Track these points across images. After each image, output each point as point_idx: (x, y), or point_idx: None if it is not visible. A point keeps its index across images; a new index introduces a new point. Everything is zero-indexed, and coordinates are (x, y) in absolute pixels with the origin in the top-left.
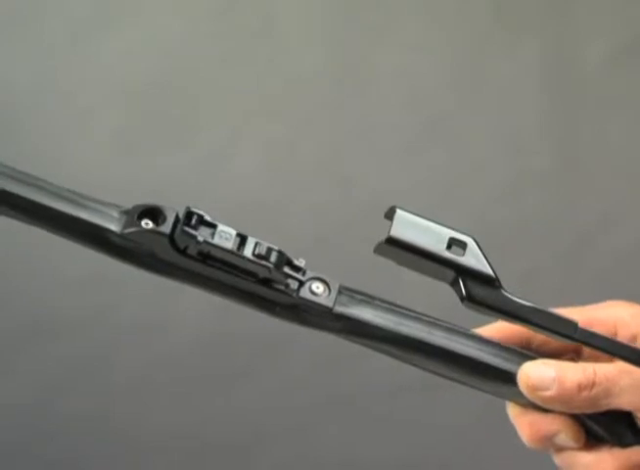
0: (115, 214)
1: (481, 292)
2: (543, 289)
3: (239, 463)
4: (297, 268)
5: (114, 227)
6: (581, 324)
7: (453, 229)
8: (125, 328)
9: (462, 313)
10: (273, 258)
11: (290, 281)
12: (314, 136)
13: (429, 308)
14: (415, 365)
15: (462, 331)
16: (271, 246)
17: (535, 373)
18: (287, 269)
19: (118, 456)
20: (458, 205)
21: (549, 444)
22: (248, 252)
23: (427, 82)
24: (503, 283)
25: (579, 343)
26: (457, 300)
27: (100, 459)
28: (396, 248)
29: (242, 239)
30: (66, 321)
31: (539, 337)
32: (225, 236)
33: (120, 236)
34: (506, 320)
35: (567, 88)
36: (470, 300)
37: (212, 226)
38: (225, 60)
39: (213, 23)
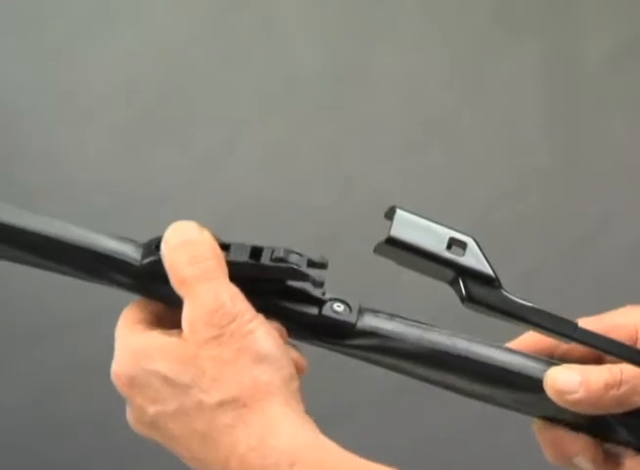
0: (133, 247)
1: (482, 292)
2: (543, 289)
3: None
4: (320, 265)
5: (132, 260)
6: (602, 332)
7: (453, 229)
8: None
9: (462, 313)
10: (293, 258)
11: (316, 277)
12: (314, 136)
13: (429, 308)
14: (437, 383)
15: (484, 342)
16: (288, 248)
17: (562, 377)
18: (310, 270)
19: (118, 457)
20: (458, 205)
21: (569, 463)
22: (265, 259)
23: (427, 82)
24: (503, 283)
25: (579, 343)
26: (457, 300)
27: (100, 459)
28: (396, 248)
29: (257, 250)
30: (65, 323)
31: (562, 347)
32: (240, 251)
33: (139, 267)
34: (506, 320)
35: (567, 88)
36: (470, 300)
37: (226, 246)
38: (225, 60)
39: (213, 23)
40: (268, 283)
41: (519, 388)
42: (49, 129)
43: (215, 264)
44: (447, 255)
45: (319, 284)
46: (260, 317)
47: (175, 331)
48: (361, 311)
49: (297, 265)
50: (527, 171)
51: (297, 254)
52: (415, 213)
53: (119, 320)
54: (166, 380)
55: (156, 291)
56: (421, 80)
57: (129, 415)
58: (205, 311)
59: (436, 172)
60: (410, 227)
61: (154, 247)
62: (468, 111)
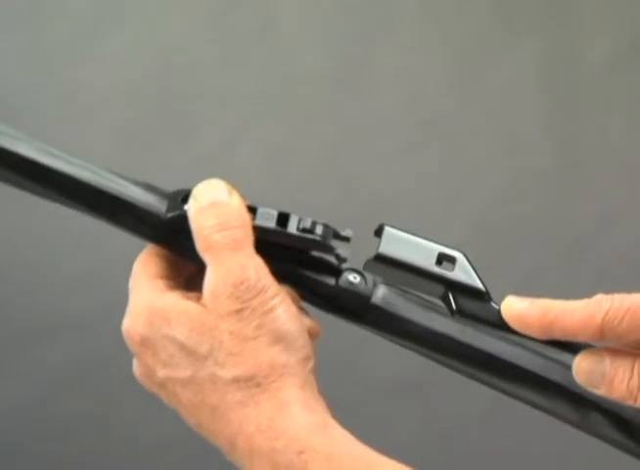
0: (158, 197)
1: (471, 306)
2: (543, 289)
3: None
4: (344, 238)
5: (156, 210)
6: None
7: (442, 245)
8: None
9: None
10: (319, 230)
11: (340, 252)
12: (314, 136)
13: None
14: (447, 366)
15: (493, 333)
16: (315, 220)
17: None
18: (333, 242)
19: (119, 457)
20: (458, 204)
21: None
22: (292, 228)
23: (426, 82)
24: (504, 283)
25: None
26: None
27: (100, 459)
28: (385, 265)
29: (284, 217)
30: (66, 322)
31: None
32: (267, 216)
33: (163, 219)
34: (497, 332)
35: (567, 88)
36: (460, 314)
37: (253, 209)
38: (225, 60)
39: (213, 23)
40: (290, 249)
41: (521, 380)
42: (49, 129)
43: (243, 233)
44: (436, 270)
45: (343, 259)
46: (282, 292)
47: (194, 295)
48: (376, 284)
49: (322, 237)
50: (527, 171)
51: (324, 225)
52: (404, 230)
53: (136, 268)
54: (183, 347)
55: (177, 244)
56: (421, 80)
57: (136, 370)
58: (229, 283)
59: (436, 172)
60: (399, 244)
61: (180, 200)
62: (467, 111)
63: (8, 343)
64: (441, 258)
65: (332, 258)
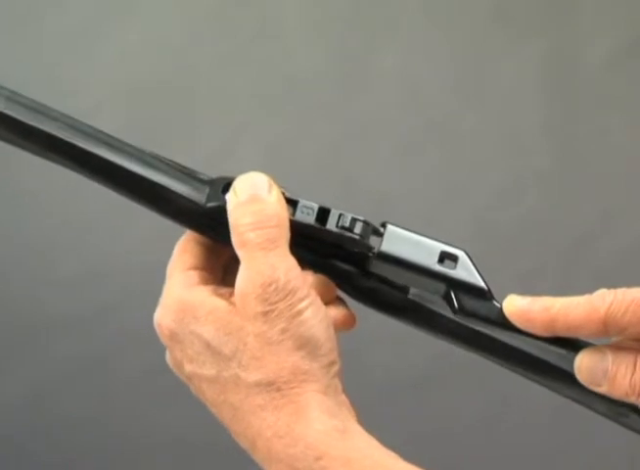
0: (198, 184)
1: (473, 304)
2: (543, 289)
3: (238, 465)
4: (382, 235)
5: (195, 198)
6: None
7: (444, 243)
8: (125, 328)
9: None
10: (358, 228)
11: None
12: (314, 136)
13: None
14: (482, 356)
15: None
16: (356, 216)
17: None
18: (372, 239)
19: (118, 457)
20: (458, 205)
21: None
22: (331, 225)
23: (427, 83)
24: (503, 283)
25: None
26: None
27: (100, 460)
28: (388, 263)
29: (324, 213)
30: (65, 322)
31: None
32: (307, 211)
33: (203, 208)
34: (498, 331)
35: (567, 88)
36: (462, 312)
37: (293, 202)
38: (225, 60)
39: (213, 23)
40: (328, 243)
41: (555, 376)
42: None
43: (278, 233)
44: (438, 268)
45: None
46: (312, 294)
47: (227, 290)
48: None
49: (361, 236)
50: (528, 171)
51: (364, 222)
52: (406, 229)
53: (174, 255)
54: (209, 346)
55: (216, 232)
56: (421, 80)
57: (168, 360)
58: (257, 284)
59: (436, 172)
60: (401, 242)
61: (221, 190)
62: (468, 111)
63: (7, 342)
64: (443, 257)
65: (369, 254)
